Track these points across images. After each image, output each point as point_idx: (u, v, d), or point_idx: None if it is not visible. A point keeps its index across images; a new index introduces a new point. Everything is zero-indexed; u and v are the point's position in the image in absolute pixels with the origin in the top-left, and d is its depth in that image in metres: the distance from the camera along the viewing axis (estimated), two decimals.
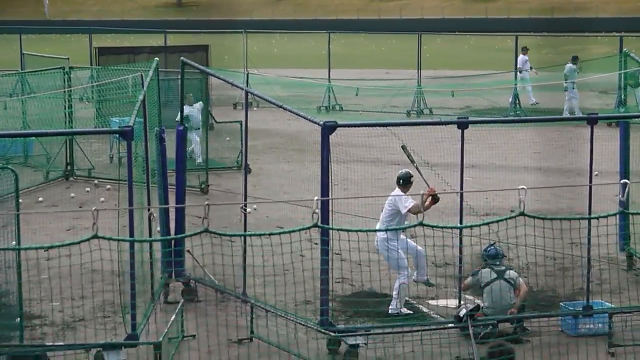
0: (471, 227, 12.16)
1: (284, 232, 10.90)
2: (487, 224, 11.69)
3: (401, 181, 14.67)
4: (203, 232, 9.90)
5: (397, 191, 14.61)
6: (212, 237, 10.38)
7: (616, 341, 13.23)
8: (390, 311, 14.24)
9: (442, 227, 11.66)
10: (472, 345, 12.36)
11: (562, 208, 19.68)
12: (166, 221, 15.36)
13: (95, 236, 9.81)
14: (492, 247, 13.91)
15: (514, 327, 13.56)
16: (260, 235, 11.04)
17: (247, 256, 13.95)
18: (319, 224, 10.81)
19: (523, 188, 10.14)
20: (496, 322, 13.36)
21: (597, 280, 15.05)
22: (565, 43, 55.22)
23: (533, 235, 11.98)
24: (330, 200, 12.74)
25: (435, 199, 14.08)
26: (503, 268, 13.90)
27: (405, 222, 14.64)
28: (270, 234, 10.78)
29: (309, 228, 10.47)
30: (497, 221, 11.61)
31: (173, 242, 14.90)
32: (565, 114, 32.99)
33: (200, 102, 25.95)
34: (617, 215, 12.86)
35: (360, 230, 11.87)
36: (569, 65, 34.97)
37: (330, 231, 12.13)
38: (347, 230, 11.66)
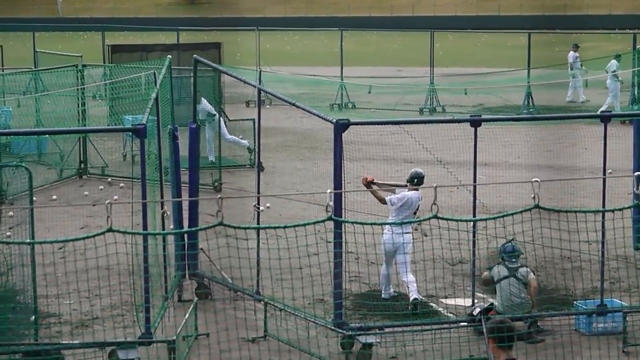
0: (486, 219, 12.15)
1: (298, 225, 10.89)
2: (502, 216, 11.67)
3: (415, 180, 14.90)
4: (218, 225, 9.90)
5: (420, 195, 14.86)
6: (226, 230, 10.38)
7: (631, 340, 13.19)
8: (413, 296, 14.25)
9: (456, 220, 11.65)
10: (485, 344, 12.33)
11: (575, 207, 19.62)
12: (179, 219, 15.37)
13: (110, 230, 9.83)
14: (509, 244, 13.80)
15: (527, 325, 13.53)
16: (274, 227, 11.03)
17: (260, 254, 13.95)
18: (333, 217, 10.82)
19: (536, 180, 10.13)
20: (510, 319, 13.31)
21: (611, 279, 15.02)
22: (578, 40, 55.08)
23: (548, 228, 11.95)
24: (343, 198, 12.73)
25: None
26: (517, 265, 13.85)
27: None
28: (285, 227, 10.76)
29: (323, 221, 10.48)
30: (512, 214, 11.59)
31: (187, 239, 14.93)
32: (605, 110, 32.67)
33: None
34: (632, 210, 12.85)
35: (375, 224, 11.86)
36: (615, 62, 34.53)
37: (343, 226, 12.12)
38: (361, 223, 11.66)
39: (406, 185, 14.96)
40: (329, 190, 10.36)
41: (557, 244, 12.64)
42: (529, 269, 13.91)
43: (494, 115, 29.99)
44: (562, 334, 13.44)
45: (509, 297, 13.65)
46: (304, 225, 10.86)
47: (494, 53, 59.39)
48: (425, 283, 14.76)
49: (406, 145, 21.01)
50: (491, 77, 42.47)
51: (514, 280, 13.71)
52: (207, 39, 43.15)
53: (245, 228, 11.02)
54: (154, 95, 14.05)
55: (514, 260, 13.85)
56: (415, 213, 14.87)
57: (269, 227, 11.48)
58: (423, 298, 14.56)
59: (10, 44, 48.19)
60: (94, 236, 10.22)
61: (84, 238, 10.33)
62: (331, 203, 10.44)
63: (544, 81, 38.10)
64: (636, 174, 12.05)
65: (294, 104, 14.02)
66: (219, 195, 9.75)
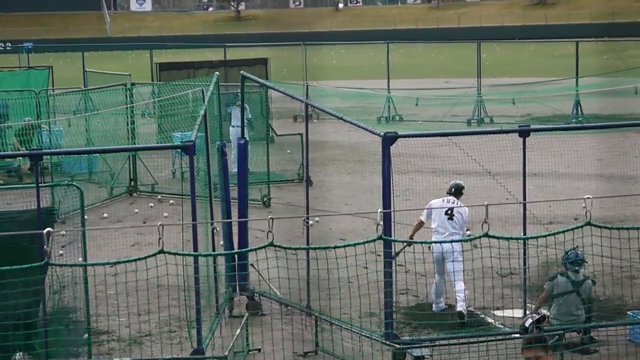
0: (537, 237, 12.04)
1: (348, 245, 10.88)
2: (554, 234, 11.56)
3: (453, 190, 15.28)
4: (267, 245, 9.91)
5: (454, 199, 15.11)
6: (276, 251, 10.39)
7: None
8: (465, 310, 14.23)
9: (507, 239, 11.58)
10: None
11: (627, 215, 19.45)
12: (229, 235, 15.43)
13: (161, 251, 9.89)
14: (573, 252, 13.43)
15: (581, 336, 13.39)
16: (324, 248, 11.04)
17: (310, 269, 13.97)
18: (383, 236, 10.79)
19: (589, 197, 10.02)
20: (563, 331, 13.21)
21: None
22: (627, 48, 54.63)
23: (599, 245, 11.83)
24: (392, 213, 12.71)
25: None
26: (581, 278, 13.54)
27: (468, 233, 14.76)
28: (335, 247, 10.76)
29: (373, 241, 10.46)
30: (564, 231, 11.48)
31: (237, 256, 14.99)
32: None
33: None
34: None
35: (425, 242, 11.84)
36: None
37: (393, 245, 12.10)
38: (411, 243, 11.64)
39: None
40: (379, 210, 10.32)
41: (610, 256, 12.51)
42: (591, 284, 13.64)
43: (542, 125, 29.79)
44: (615, 344, 13.29)
45: (566, 312, 13.41)
46: (354, 245, 10.84)
47: (542, 62, 59.09)
48: (476, 295, 14.69)
49: (454, 157, 20.96)
50: (539, 86, 42.24)
51: (575, 296, 13.47)
52: (253, 55, 43.32)
53: (295, 249, 11.02)
54: (202, 112, 14.12)
55: (577, 268, 13.58)
56: (468, 229, 14.92)
57: (319, 248, 11.49)
58: (470, 308, 14.48)
59: (60, 64, 48.74)
60: (145, 258, 10.29)
61: (135, 260, 10.40)
62: (381, 222, 10.41)
63: (592, 89, 37.83)
64: None
65: (341, 118, 14.03)
66: (269, 214, 9.73)
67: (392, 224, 12.68)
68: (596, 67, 41.66)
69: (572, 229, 11.11)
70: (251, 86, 24.64)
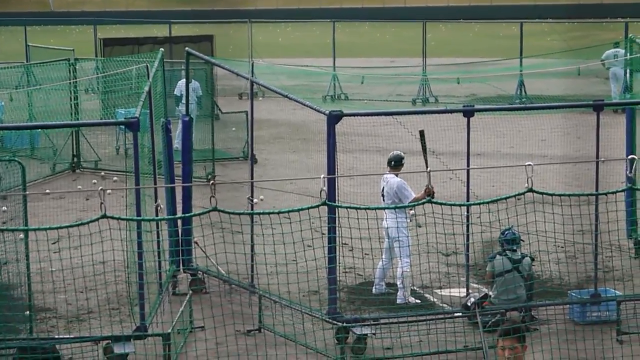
0: (480, 204, 12.12)
1: (293, 211, 10.85)
2: (496, 200, 11.65)
3: (392, 163, 14.59)
4: (212, 210, 9.87)
5: (391, 175, 14.55)
6: (222, 222, 10.36)
7: (624, 328, 13.22)
8: (398, 301, 14.25)
9: (450, 205, 11.64)
10: (480, 334, 12.37)
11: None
12: (174, 212, 15.37)
13: (104, 216, 9.81)
14: (510, 231, 13.59)
15: (522, 315, 13.53)
16: (268, 213, 11.01)
17: (254, 246, 13.96)
18: (327, 202, 10.80)
19: (530, 164, 10.13)
20: (504, 310, 13.35)
21: (605, 268, 15.04)
22: (570, 29, 55.08)
23: (542, 222, 11.95)
24: (336, 189, 12.73)
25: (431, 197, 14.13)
26: (519, 257, 13.70)
27: (410, 212, 14.72)
28: (279, 212, 10.74)
29: (317, 206, 10.49)
30: (506, 198, 11.59)
31: (181, 232, 14.93)
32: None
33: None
34: (625, 195, 12.83)
35: (368, 208, 11.80)
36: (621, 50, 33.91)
37: (337, 212, 12.10)
38: (355, 208, 11.62)
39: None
40: (322, 175, 10.34)
41: (551, 234, 12.65)
42: (530, 260, 13.76)
43: (486, 105, 29.96)
44: (556, 323, 13.46)
45: (507, 291, 13.54)
46: (298, 210, 10.82)
47: (487, 43, 59.38)
48: (419, 274, 14.74)
49: (399, 136, 21.03)
50: (484, 66, 42.46)
51: (516, 275, 13.58)
52: (199, 32, 43.01)
53: (239, 214, 10.98)
54: (146, 88, 14.03)
55: (514, 247, 13.70)
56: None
57: (263, 213, 11.49)
58: (414, 287, 14.50)
59: (1, 38, 48.12)
60: (88, 222, 10.22)
61: (78, 225, 10.33)
62: (325, 188, 10.43)
63: (536, 70, 38.09)
64: (629, 157, 12.06)
65: (286, 96, 14.02)
66: (211, 182, 9.68)
67: (336, 195, 12.64)
68: (540, 48, 41.94)
69: (515, 195, 11.22)
70: (196, 63, 24.48)
